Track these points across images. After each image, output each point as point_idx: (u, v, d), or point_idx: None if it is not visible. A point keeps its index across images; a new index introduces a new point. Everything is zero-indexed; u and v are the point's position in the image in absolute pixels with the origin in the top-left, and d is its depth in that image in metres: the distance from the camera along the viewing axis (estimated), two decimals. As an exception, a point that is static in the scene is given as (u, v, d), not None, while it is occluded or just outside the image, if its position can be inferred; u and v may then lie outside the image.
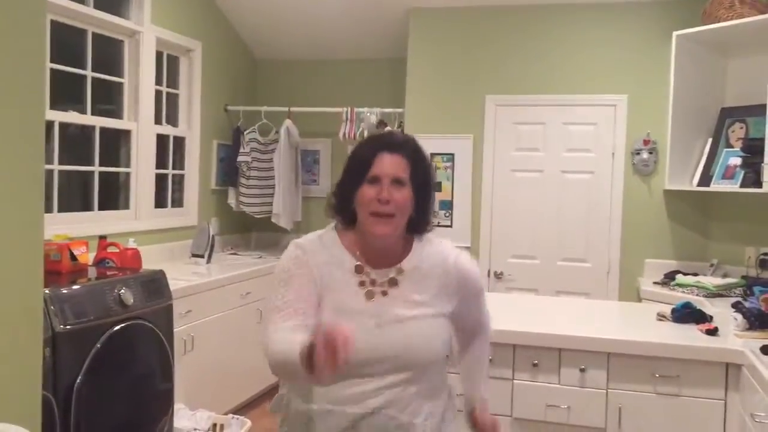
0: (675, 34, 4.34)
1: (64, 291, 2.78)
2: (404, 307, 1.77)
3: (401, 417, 1.74)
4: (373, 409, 1.72)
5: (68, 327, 2.69)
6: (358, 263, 1.79)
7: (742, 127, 4.22)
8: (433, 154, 5.02)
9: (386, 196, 1.73)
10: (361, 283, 1.78)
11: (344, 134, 5.29)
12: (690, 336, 2.83)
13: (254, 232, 5.94)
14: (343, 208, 1.83)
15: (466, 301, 1.89)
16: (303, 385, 1.77)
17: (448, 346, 1.87)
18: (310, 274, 1.75)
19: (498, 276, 4.89)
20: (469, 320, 1.96)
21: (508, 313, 3.37)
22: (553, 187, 4.80)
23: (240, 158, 5.36)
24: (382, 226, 1.74)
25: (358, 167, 1.80)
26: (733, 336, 2.80)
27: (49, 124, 3.80)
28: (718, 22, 4.10)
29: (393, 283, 1.79)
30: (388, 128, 5.20)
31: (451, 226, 5.00)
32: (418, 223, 1.84)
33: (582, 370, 2.80)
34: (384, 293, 1.78)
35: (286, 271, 1.77)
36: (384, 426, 1.73)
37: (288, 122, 5.47)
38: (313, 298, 1.74)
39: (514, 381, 2.87)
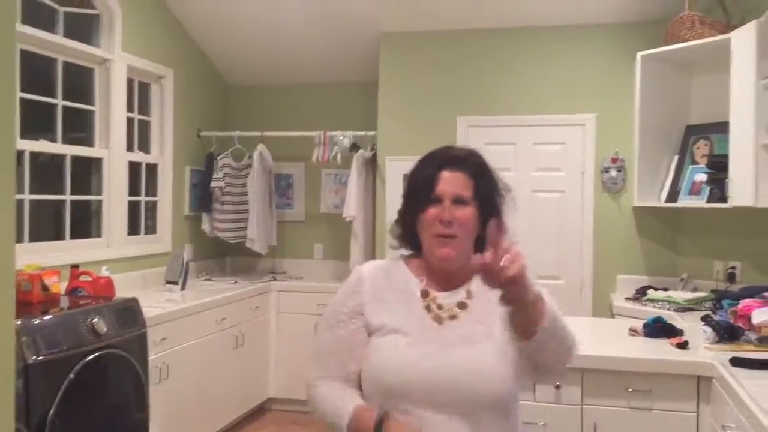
0: (639, 54, 4.44)
1: (36, 321, 2.76)
2: (472, 332, 1.62)
3: None
4: None
5: (41, 358, 2.66)
6: (425, 288, 1.70)
7: (706, 144, 4.32)
8: (406, 176, 5.04)
9: (448, 216, 1.63)
10: (428, 308, 1.67)
11: (317, 158, 5.32)
12: (661, 350, 2.87)
13: (229, 257, 5.92)
14: (407, 235, 1.76)
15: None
16: None
17: (517, 386, 1.64)
18: (361, 308, 1.68)
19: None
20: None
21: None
22: (524, 206, 4.74)
23: (213, 184, 5.36)
24: (445, 248, 1.64)
25: (419, 188, 1.70)
26: (703, 349, 2.85)
27: (20, 154, 3.77)
28: (681, 41, 4.20)
29: (462, 306, 1.67)
30: (360, 150, 5.23)
31: (425, 247, 5.02)
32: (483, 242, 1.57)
33: (557, 387, 2.82)
34: (452, 317, 1.65)
35: (336, 312, 1.71)
36: None
37: (261, 147, 5.48)
38: (360, 338, 1.66)
39: (491, 400, 2.89)
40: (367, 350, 1.64)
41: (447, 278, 1.70)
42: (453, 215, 1.64)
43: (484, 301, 1.61)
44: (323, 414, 1.64)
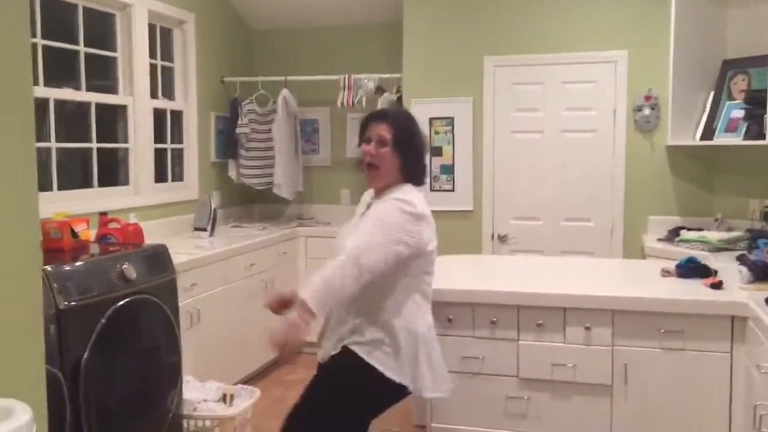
0: (674, -14, 4.27)
1: (67, 268, 2.78)
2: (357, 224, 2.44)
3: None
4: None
5: (72, 303, 2.69)
6: (371, 201, 2.50)
7: (744, 79, 4.16)
8: (432, 119, 4.98)
9: (370, 150, 2.40)
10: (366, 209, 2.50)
11: (342, 102, 5.25)
12: (695, 290, 2.82)
13: (257, 204, 5.93)
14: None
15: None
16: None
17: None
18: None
19: (502, 238, 4.88)
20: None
21: (512, 275, 3.37)
22: (554, 147, 4.76)
23: (238, 130, 5.33)
24: (367, 173, 2.45)
25: (360, 134, 2.49)
26: (738, 289, 2.79)
27: (44, 102, 3.77)
28: (718, -28, 4.02)
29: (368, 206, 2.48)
30: (386, 93, 5.16)
31: (453, 190, 4.98)
32: (409, 173, 2.44)
33: (587, 329, 2.80)
34: (361, 215, 2.51)
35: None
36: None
37: (285, 92, 5.42)
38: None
39: (520, 342, 2.88)
40: None
41: (377, 194, 2.49)
42: (374, 151, 2.40)
43: (370, 210, 2.43)
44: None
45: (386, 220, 2.30)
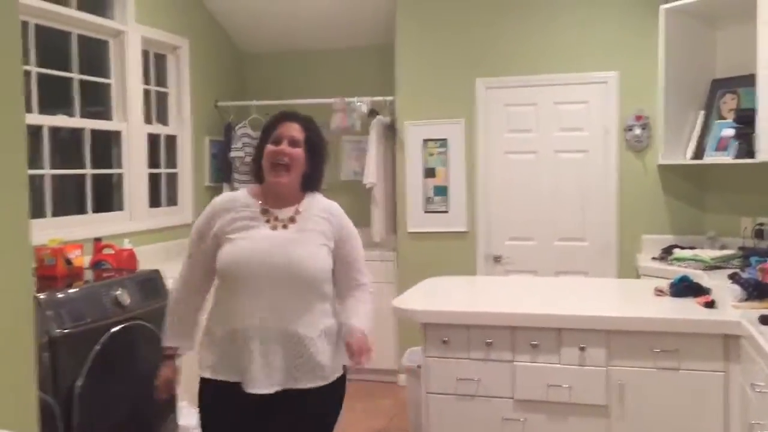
0: (662, 7, 4.32)
1: (60, 295, 2.78)
2: (297, 233, 2.29)
3: (280, 324, 2.22)
4: (260, 319, 2.21)
5: (66, 330, 2.69)
6: (264, 207, 2.32)
7: (733, 98, 4.20)
8: (425, 140, 5.01)
9: (285, 150, 2.28)
10: (267, 221, 2.30)
11: (336, 125, 5.27)
12: (688, 309, 2.83)
13: (251, 227, 5.92)
14: (257, 171, 2.37)
15: (343, 242, 2.38)
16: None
17: (328, 273, 2.33)
18: (213, 229, 2.30)
19: (496, 259, 4.89)
20: (347, 259, 2.40)
21: (506, 296, 3.37)
22: (547, 167, 4.79)
23: (233, 154, 5.35)
24: (279, 173, 2.28)
25: (265, 133, 2.36)
26: (731, 307, 2.80)
27: (38, 129, 3.78)
28: (705, -7, 4.07)
29: (292, 220, 2.31)
30: (379, 116, 5.19)
31: (447, 212, 4.99)
32: (311, 181, 2.37)
33: (582, 349, 2.80)
34: (285, 227, 2.30)
35: (198, 231, 2.36)
36: (267, 332, 2.21)
37: (279, 115, 5.44)
38: (213, 248, 2.30)
39: (515, 363, 2.87)
40: (219, 252, 2.27)
41: (281, 199, 2.33)
42: (289, 151, 2.28)
43: (307, 219, 2.32)
44: (170, 306, 2.45)
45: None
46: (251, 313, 2.22)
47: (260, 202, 2.33)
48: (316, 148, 2.36)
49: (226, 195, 2.43)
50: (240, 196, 2.38)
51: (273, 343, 2.21)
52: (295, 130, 2.32)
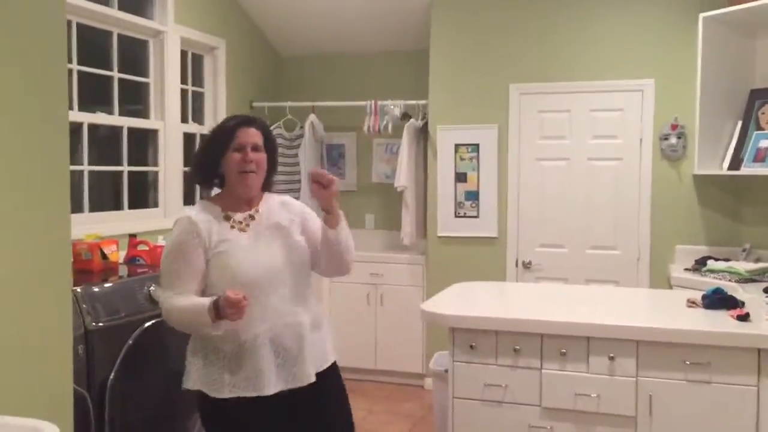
0: (701, 15, 4.27)
1: (96, 289, 2.84)
2: (272, 227, 2.41)
3: (286, 320, 2.31)
4: (268, 323, 2.29)
5: (101, 324, 2.74)
6: (225, 213, 2.38)
7: (772, 109, 4.14)
8: (457, 145, 5.01)
9: (250, 157, 2.34)
10: (231, 226, 2.36)
11: (369, 128, 5.30)
12: (721, 322, 2.79)
13: (282, 227, 5.97)
14: (208, 177, 2.45)
15: (307, 221, 2.53)
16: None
17: (309, 260, 2.48)
18: (201, 242, 2.30)
19: (526, 266, 4.87)
20: (317, 236, 2.49)
21: (536, 303, 3.36)
22: (580, 174, 4.76)
23: (266, 154, 5.39)
24: (248, 180, 2.36)
25: (223, 140, 2.37)
26: (765, 321, 2.76)
27: (78, 126, 3.86)
28: (746, 2, 4.02)
29: (251, 218, 2.40)
30: (411, 119, 5.20)
31: (477, 217, 4.99)
32: (268, 181, 2.48)
33: (611, 358, 2.78)
34: (246, 226, 2.37)
35: (180, 245, 2.30)
36: (276, 332, 2.29)
37: (312, 117, 5.49)
38: (202, 263, 2.29)
39: (543, 371, 2.86)
40: (210, 262, 2.30)
41: (244, 203, 2.42)
42: (255, 158, 2.35)
43: (267, 214, 2.43)
44: (180, 314, 2.27)
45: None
46: (261, 319, 2.28)
47: (220, 208, 2.40)
48: (274, 150, 2.48)
49: (192, 213, 2.37)
50: (203, 209, 2.40)
51: (283, 340, 2.32)
52: (254, 135, 2.38)
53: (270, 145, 2.46)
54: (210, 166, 2.42)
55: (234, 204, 2.42)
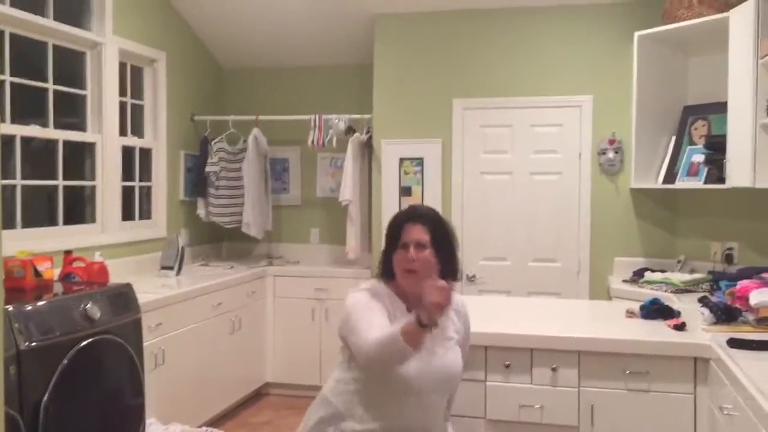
0: (636, 34, 4.40)
1: (28, 308, 2.73)
2: (443, 342, 2.34)
3: (426, 422, 2.32)
4: (415, 420, 2.29)
5: (33, 344, 2.64)
6: (407, 306, 2.33)
7: (704, 125, 4.28)
8: (401, 159, 5.03)
9: (412, 256, 2.28)
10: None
11: (313, 141, 5.27)
12: (658, 332, 2.86)
13: (225, 243, 5.90)
14: (387, 269, 2.39)
15: (464, 339, 2.48)
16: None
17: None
18: (384, 307, 2.30)
19: (470, 279, 4.91)
20: (463, 352, 2.45)
21: (480, 316, 3.38)
22: (522, 188, 4.83)
23: (208, 168, 5.32)
24: (410, 279, 2.29)
25: (391, 236, 2.37)
26: (700, 331, 2.84)
27: (11, 139, 3.74)
28: (678, 21, 4.16)
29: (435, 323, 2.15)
30: (356, 133, 5.20)
31: (422, 231, 4.99)
32: (447, 273, 2.33)
33: (554, 370, 2.81)
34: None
35: (364, 301, 2.30)
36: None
37: (256, 131, 5.44)
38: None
39: (487, 383, 2.88)
40: None
41: (416, 301, 2.19)
42: (416, 255, 2.28)
43: (445, 318, 2.30)
44: (381, 345, 2.10)
45: None
46: (412, 414, 2.28)
47: (403, 303, 2.36)
48: (443, 244, 2.35)
49: (372, 286, 2.38)
50: (381, 291, 2.37)
51: None
52: (419, 232, 2.31)
53: (440, 241, 2.33)
54: (386, 261, 2.40)
55: (413, 299, 2.32)
